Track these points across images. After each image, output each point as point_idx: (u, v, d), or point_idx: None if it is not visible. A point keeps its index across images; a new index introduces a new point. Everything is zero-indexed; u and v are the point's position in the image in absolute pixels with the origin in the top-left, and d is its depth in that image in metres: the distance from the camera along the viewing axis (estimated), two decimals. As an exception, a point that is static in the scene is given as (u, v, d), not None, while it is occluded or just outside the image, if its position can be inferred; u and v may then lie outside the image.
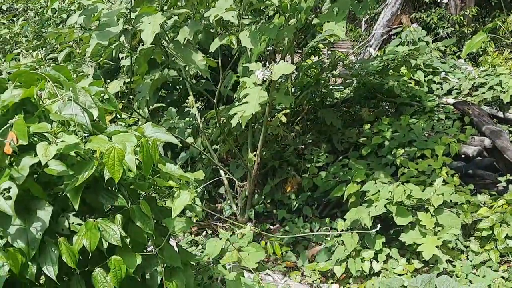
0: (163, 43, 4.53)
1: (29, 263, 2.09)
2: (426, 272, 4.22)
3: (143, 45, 4.15)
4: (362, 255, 4.42)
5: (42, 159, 2.06)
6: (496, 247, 4.42)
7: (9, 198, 1.98)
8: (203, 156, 5.90)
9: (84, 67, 4.77)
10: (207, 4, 4.53)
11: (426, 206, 4.53)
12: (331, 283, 4.47)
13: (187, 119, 6.19)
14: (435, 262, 4.31)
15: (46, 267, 2.12)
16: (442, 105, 6.61)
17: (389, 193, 4.50)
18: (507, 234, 4.36)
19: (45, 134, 2.21)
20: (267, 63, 3.92)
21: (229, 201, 5.58)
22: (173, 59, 4.57)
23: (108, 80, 5.62)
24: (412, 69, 7.28)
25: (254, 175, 5.16)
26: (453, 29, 11.46)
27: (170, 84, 6.76)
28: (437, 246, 4.26)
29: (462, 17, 11.44)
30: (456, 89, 7.38)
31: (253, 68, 3.95)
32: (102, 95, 2.59)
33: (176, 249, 2.80)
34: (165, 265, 2.53)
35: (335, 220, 5.09)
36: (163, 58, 4.64)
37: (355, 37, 13.04)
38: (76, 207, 2.16)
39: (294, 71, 5.45)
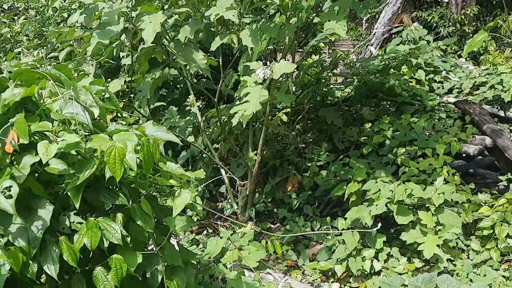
0: (164, 42, 4.53)
1: (30, 261, 2.09)
2: (427, 271, 4.22)
3: (144, 44, 4.16)
4: (363, 254, 4.42)
5: (43, 158, 2.06)
6: (497, 246, 4.41)
7: (10, 197, 1.98)
8: (204, 155, 5.90)
9: (85, 66, 4.78)
10: (208, 3, 4.53)
11: (427, 205, 4.53)
12: (332, 282, 4.47)
13: (188, 118, 6.18)
14: (436, 261, 4.31)
15: (47, 266, 2.13)
16: (443, 104, 6.61)
17: (390, 192, 4.49)
18: (508, 233, 4.36)
19: (46, 133, 2.21)
20: (268, 62, 3.92)
21: (230, 200, 5.58)
22: (174, 58, 4.57)
23: (109, 79, 5.62)
24: (413, 68, 7.27)
25: (255, 174, 5.17)
26: (454, 28, 11.46)
27: (171, 83, 6.76)
28: (438, 245, 4.26)
29: (463, 16, 11.44)
30: (457, 88, 7.38)
31: (254, 67, 3.95)
32: (103, 94, 2.59)
33: (177, 248, 2.81)
34: (166, 264, 2.54)
35: (336, 219, 5.10)
36: (164, 57, 4.64)
37: (356, 36, 13.03)
38: (77, 206, 2.16)
39: (295, 70, 5.46)
